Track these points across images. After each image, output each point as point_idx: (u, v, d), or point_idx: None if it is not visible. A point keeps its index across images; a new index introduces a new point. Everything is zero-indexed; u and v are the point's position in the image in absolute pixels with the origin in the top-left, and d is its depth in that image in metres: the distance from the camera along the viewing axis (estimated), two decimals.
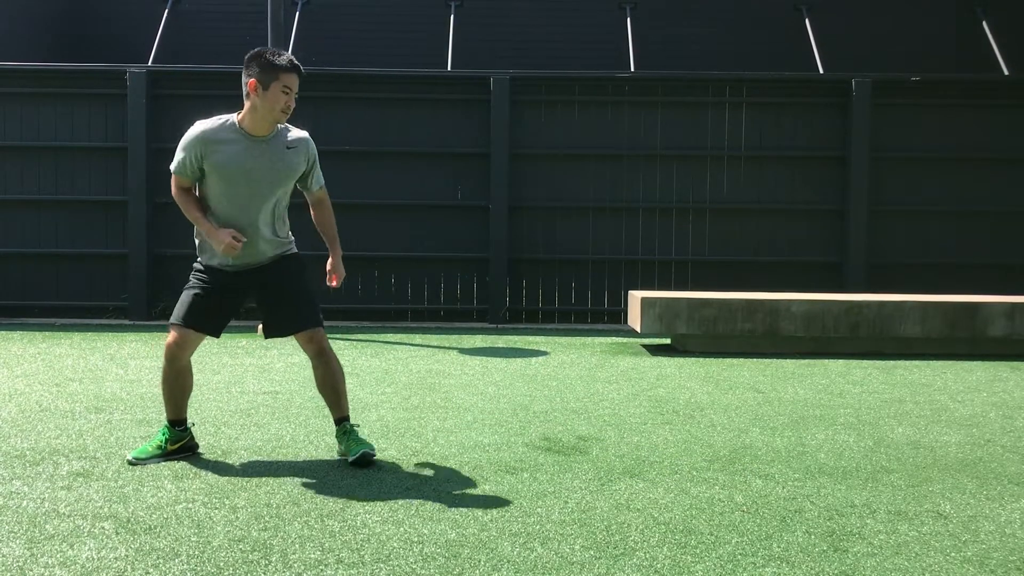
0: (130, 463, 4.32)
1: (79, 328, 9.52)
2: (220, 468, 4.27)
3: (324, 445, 4.72)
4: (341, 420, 4.50)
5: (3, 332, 9.07)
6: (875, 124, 10.37)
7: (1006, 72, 10.99)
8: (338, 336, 9.11)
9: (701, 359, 7.91)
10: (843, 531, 3.55)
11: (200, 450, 4.56)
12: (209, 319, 4.40)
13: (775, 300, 8.34)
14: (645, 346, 8.71)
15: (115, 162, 10.34)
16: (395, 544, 3.33)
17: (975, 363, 7.85)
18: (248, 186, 4.28)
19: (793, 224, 10.58)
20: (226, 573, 3.06)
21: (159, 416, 5.30)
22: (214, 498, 3.81)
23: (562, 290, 10.61)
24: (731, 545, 3.38)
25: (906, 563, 3.24)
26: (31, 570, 3.05)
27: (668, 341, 8.82)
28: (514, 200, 10.38)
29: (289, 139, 4.37)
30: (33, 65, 10.68)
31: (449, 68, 11.22)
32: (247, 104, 4.26)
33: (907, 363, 7.80)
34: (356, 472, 4.24)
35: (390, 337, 9.09)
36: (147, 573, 3.04)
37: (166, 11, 12.05)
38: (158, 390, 6.10)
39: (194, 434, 4.54)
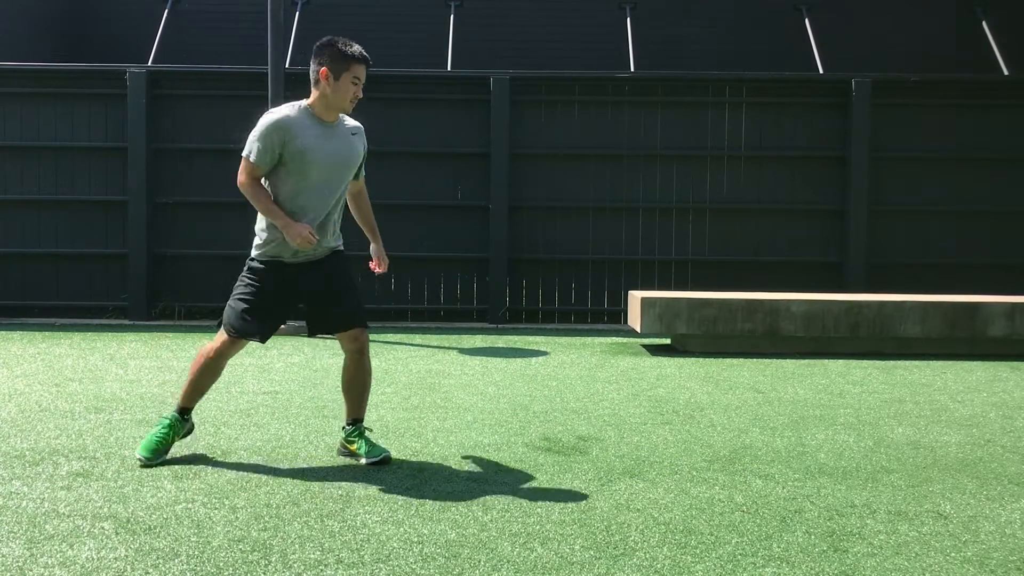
0: (144, 464, 4.28)
1: (79, 328, 9.51)
2: (220, 468, 4.27)
3: (324, 445, 4.72)
4: (356, 421, 4.51)
5: (3, 332, 9.07)
6: (875, 124, 10.37)
7: (1006, 72, 10.98)
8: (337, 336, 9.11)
9: (701, 359, 7.91)
10: (843, 531, 3.55)
11: (200, 450, 4.56)
12: (262, 326, 4.36)
13: (775, 300, 8.33)
14: (645, 346, 8.71)
15: (115, 162, 10.34)
16: (395, 544, 3.33)
17: (975, 363, 7.85)
18: (326, 171, 4.26)
19: (793, 224, 10.58)
20: (226, 573, 3.05)
21: (159, 416, 5.30)
22: (214, 498, 3.81)
23: (562, 290, 10.61)
24: (731, 545, 3.38)
25: (906, 563, 3.24)
26: (31, 570, 3.05)
27: (668, 341, 8.81)
28: (514, 200, 10.38)
29: (350, 126, 4.42)
30: (33, 65, 10.68)
31: (449, 68, 11.22)
32: (316, 92, 4.25)
33: (907, 363, 7.80)
34: (356, 472, 4.24)
35: (390, 337, 9.09)
36: (147, 573, 3.04)
37: (166, 11, 12.04)
38: (158, 390, 6.12)
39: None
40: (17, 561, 3.12)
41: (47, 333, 9.09)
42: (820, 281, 10.32)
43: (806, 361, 7.86)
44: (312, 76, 4.25)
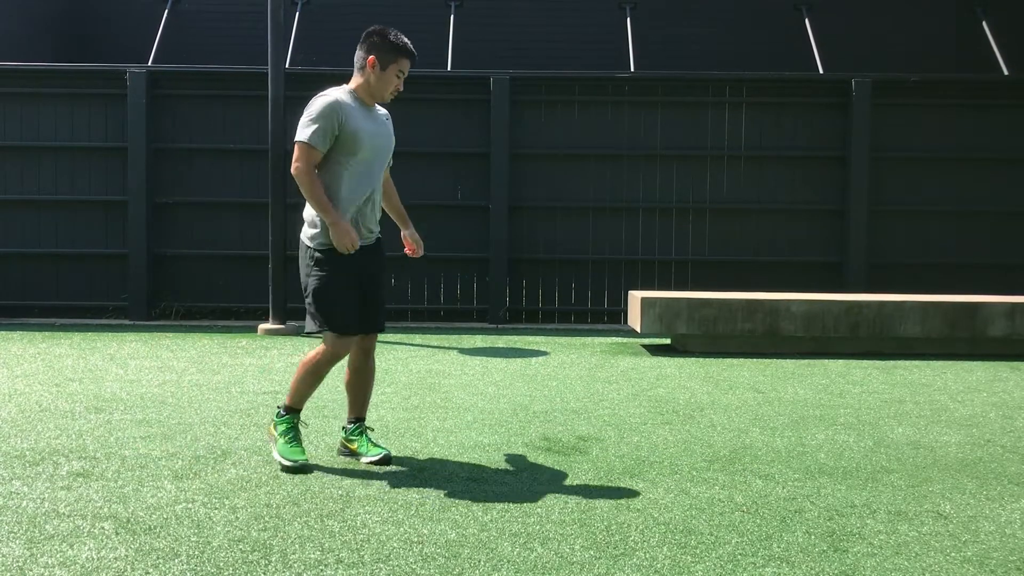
0: (289, 469, 4.19)
1: (79, 328, 9.52)
2: (220, 468, 4.27)
3: (324, 445, 4.71)
4: (359, 420, 4.50)
5: (3, 332, 9.07)
6: (875, 124, 10.37)
7: (1006, 72, 10.99)
8: None
9: (701, 359, 7.91)
10: (843, 531, 3.55)
11: (200, 450, 4.56)
12: (362, 315, 4.31)
13: (775, 300, 8.33)
14: (645, 346, 8.71)
15: (115, 162, 10.34)
16: (395, 544, 3.33)
17: (975, 363, 7.85)
18: (372, 153, 4.27)
19: (793, 224, 10.58)
20: (226, 573, 3.05)
21: (159, 416, 5.31)
22: (214, 498, 3.81)
23: (562, 290, 10.61)
24: (731, 545, 3.38)
25: (906, 563, 3.24)
26: (31, 570, 3.05)
27: (668, 341, 8.81)
28: (514, 200, 10.38)
29: (382, 113, 4.45)
30: (33, 65, 10.68)
31: (449, 68, 11.22)
32: (360, 77, 4.28)
33: (907, 363, 7.80)
34: (356, 472, 4.24)
35: (390, 337, 9.09)
36: (147, 573, 3.04)
37: (166, 11, 12.04)
38: (158, 390, 6.12)
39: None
40: (17, 561, 3.12)
41: (47, 333, 9.09)
42: (820, 281, 10.32)
43: (806, 361, 7.86)
44: (358, 62, 4.28)
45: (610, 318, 10.53)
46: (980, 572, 3.18)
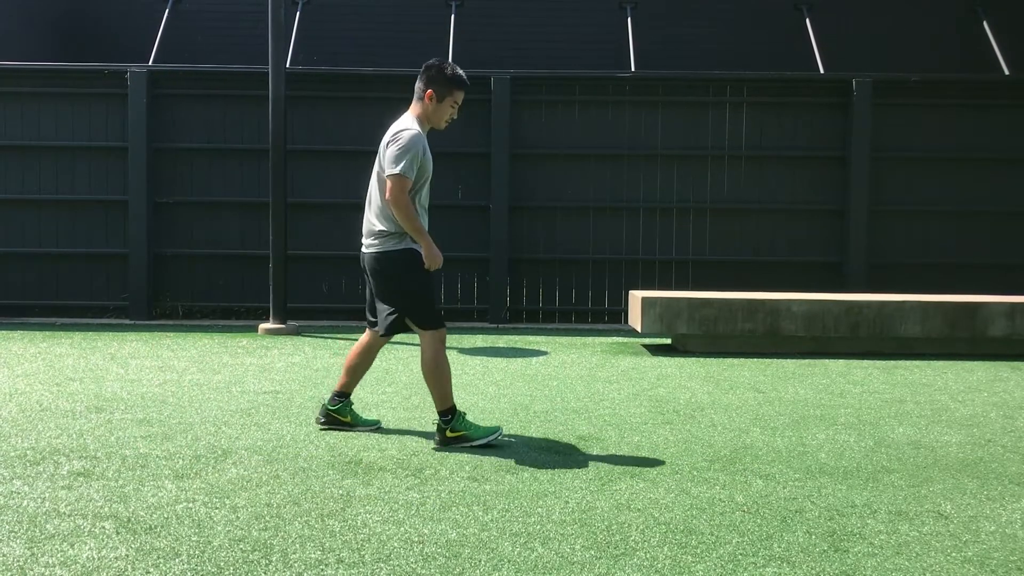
0: (496, 443, 4.69)
1: (79, 328, 9.52)
2: (220, 468, 4.27)
3: (324, 445, 4.72)
4: (345, 395, 5.04)
5: (3, 332, 9.07)
6: (876, 124, 10.37)
7: (1006, 72, 10.98)
8: (339, 336, 9.12)
9: (701, 359, 7.91)
10: (844, 531, 3.55)
11: (201, 450, 4.57)
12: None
13: (775, 300, 8.33)
14: (645, 346, 8.71)
15: (115, 162, 10.34)
16: (395, 544, 3.33)
17: (975, 363, 7.85)
18: (430, 174, 4.85)
19: (793, 224, 10.58)
20: (226, 573, 3.05)
21: (159, 415, 5.31)
22: (214, 498, 3.81)
23: (562, 290, 10.61)
24: (732, 545, 3.38)
25: (907, 563, 3.24)
26: (31, 570, 3.05)
27: (668, 341, 8.81)
28: (514, 200, 10.38)
29: None
30: (34, 65, 10.68)
31: None
32: (418, 107, 4.77)
33: (907, 363, 7.80)
34: (356, 472, 4.24)
35: None
36: (147, 573, 3.04)
37: (166, 11, 12.05)
38: (159, 389, 6.12)
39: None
40: (18, 560, 3.12)
41: (48, 333, 9.09)
42: (820, 281, 10.32)
43: (806, 361, 7.86)
44: (417, 93, 4.77)
45: (610, 318, 10.53)
46: (981, 572, 3.18)
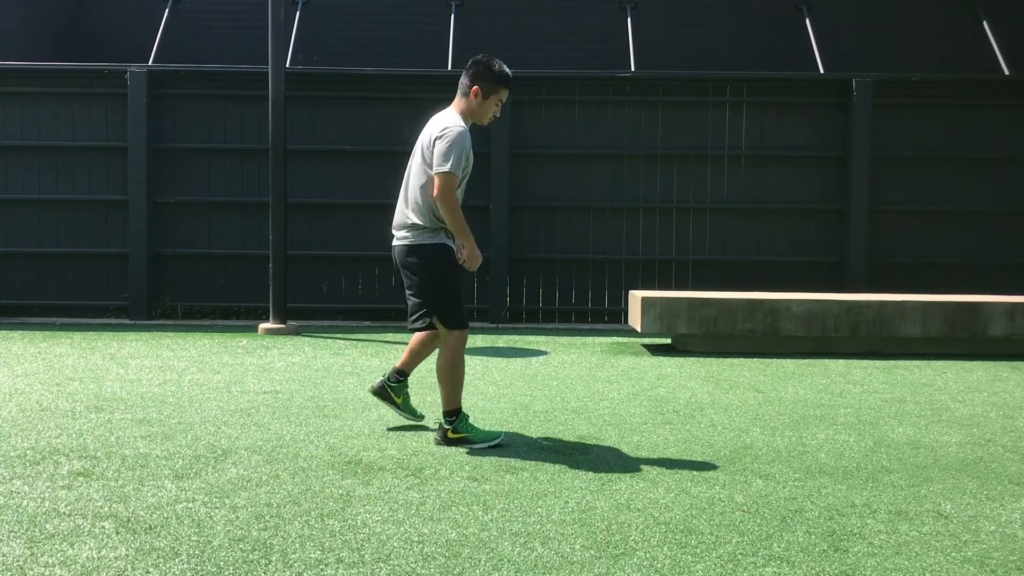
0: (498, 446, 4.66)
1: (79, 328, 9.52)
2: (220, 467, 4.27)
3: (324, 445, 4.72)
4: (404, 374, 5.14)
5: (3, 332, 9.07)
6: (875, 124, 10.37)
7: (1006, 72, 10.98)
8: (338, 336, 9.12)
9: (701, 359, 7.91)
10: (844, 531, 3.55)
11: (200, 450, 4.57)
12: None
13: (775, 300, 8.33)
14: (645, 346, 8.71)
15: (115, 162, 10.34)
16: (395, 544, 3.33)
17: (975, 363, 7.85)
18: (469, 176, 4.71)
19: (793, 224, 10.58)
20: (226, 573, 3.05)
21: (159, 415, 5.31)
22: (214, 497, 3.81)
23: (562, 290, 10.61)
24: (731, 545, 3.38)
25: (907, 563, 3.24)
26: (31, 569, 3.05)
27: (668, 341, 8.81)
28: (514, 200, 10.38)
29: None
30: (34, 65, 10.68)
31: (449, 68, 11.21)
32: (463, 102, 4.68)
33: (907, 363, 7.80)
34: (356, 472, 4.24)
35: (390, 337, 9.09)
36: (147, 573, 3.04)
37: (166, 11, 12.05)
38: (159, 389, 6.12)
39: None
40: (18, 560, 3.12)
41: (47, 333, 9.09)
42: (820, 281, 10.32)
43: (806, 361, 7.86)
44: (462, 88, 4.68)
45: (610, 318, 10.53)
46: (980, 572, 3.18)
